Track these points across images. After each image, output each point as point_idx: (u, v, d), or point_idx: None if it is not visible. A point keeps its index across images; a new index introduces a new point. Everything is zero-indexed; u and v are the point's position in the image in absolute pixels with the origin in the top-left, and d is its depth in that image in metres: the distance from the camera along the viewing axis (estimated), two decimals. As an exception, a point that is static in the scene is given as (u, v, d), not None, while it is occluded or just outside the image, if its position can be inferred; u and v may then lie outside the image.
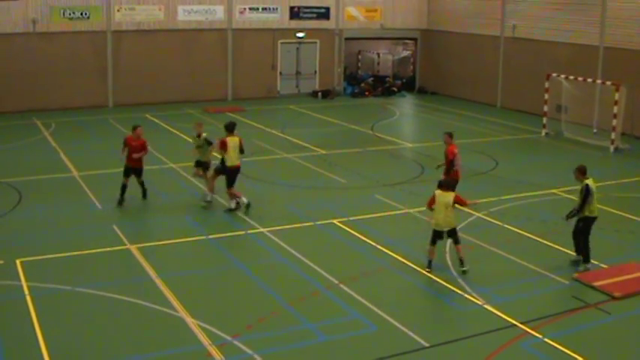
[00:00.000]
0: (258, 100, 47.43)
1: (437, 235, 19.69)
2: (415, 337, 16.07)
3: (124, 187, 24.65)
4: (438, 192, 19.71)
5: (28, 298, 17.56)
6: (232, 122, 25.25)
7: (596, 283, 19.11)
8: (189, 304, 17.30)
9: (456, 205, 19.78)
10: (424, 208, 23.73)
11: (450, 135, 24.80)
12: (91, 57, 44.43)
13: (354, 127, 39.83)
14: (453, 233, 19.68)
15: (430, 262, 19.81)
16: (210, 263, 20.16)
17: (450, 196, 19.52)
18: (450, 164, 24.37)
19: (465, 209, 22.51)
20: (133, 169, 24.73)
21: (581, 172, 20.01)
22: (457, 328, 16.71)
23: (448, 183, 20.60)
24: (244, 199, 24.36)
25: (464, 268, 19.68)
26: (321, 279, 19.03)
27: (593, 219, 20.06)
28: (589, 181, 19.79)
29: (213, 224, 23.13)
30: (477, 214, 24.13)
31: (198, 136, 25.90)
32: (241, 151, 24.49)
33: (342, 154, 33.07)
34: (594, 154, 34.01)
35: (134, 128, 25.20)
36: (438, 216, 19.57)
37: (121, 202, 24.62)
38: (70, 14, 43.38)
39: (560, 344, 15.93)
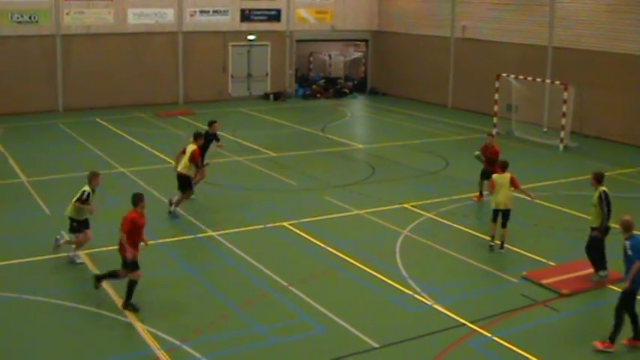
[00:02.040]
0: (209, 103, 47.21)
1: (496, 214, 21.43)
2: (364, 338, 16.08)
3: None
4: (496, 175, 21.49)
5: (-26, 306, 17.36)
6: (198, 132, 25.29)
7: (545, 281, 19.25)
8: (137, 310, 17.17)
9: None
10: (374, 209, 23.92)
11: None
12: (41, 61, 43.95)
13: (305, 129, 39.81)
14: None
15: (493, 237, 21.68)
16: (159, 268, 19.96)
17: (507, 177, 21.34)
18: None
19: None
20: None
21: (597, 180, 19.22)
22: (406, 329, 16.69)
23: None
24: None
25: (502, 250, 21.43)
26: (270, 281, 18.98)
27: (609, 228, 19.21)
28: (604, 188, 19.08)
29: (162, 229, 22.90)
30: (427, 214, 24.18)
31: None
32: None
33: (292, 156, 33.04)
34: (544, 152, 34.28)
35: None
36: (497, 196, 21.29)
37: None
38: (18, 18, 42.89)
39: (508, 342, 16.03)
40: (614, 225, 18.46)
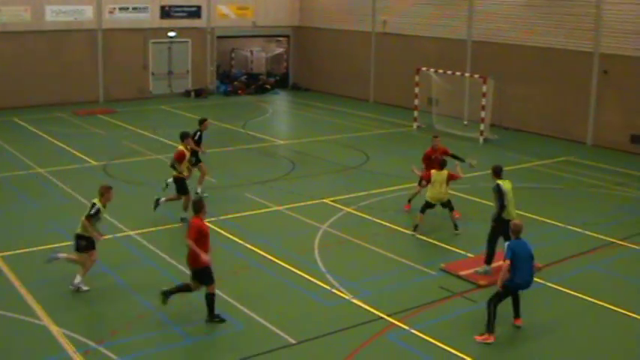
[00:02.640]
0: (130, 101, 46.69)
1: (428, 206, 22.47)
2: (282, 334, 16.06)
3: None
4: (435, 172, 22.39)
5: None
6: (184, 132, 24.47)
7: (462, 273, 19.45)
8: (53, 312, 16.88)
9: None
10: (293, 205, 23.88)
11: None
12: (-44, 60, 43.11)
13: (226, 125, 39.59)
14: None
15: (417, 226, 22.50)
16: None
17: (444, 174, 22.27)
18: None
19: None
20: None
21: (494, 173, 19.56)
22: (324, 324, 16.69)
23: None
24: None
25: (457, 232, 22.45)
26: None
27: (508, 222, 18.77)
28: (500, 181, 19.33)
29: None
30: (347, 209, 24.18)
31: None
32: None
33: (213, 153, 32.68)
34: (464, 145, 34.51)
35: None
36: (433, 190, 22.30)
37: None
38: None
39: (427, 335, 16.17)
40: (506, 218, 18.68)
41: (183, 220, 23.22)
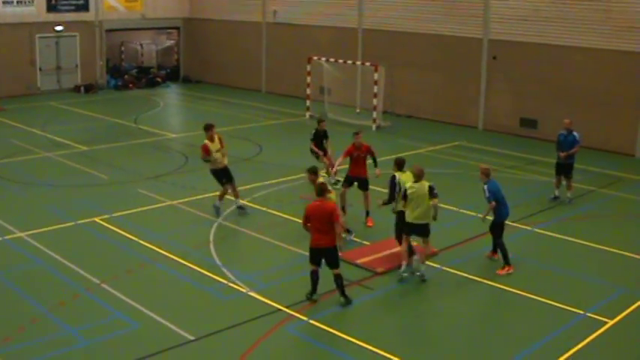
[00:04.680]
0: (17, 98, 45.34)
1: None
2: (179, 331, 15.86)
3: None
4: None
5: None
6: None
7: (359, 261, 19.52)
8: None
9: None
10: (187, 199, 23.62)
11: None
12: None
13: (117, 120, 38.98)
14: None
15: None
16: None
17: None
18: None
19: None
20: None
21: (396, 165, 19.95)
22: (222, 318, 16.54)
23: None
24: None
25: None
26: (82, 280, 18.43)
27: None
28: (397, 173, 19.62)
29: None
30: (241, 201, 23.95)
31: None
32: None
33: (104, 149, 32.26)
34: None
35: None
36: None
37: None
38: None
39: (325, 324, 16.21)
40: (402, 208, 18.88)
41: (240, 208, 23.62)
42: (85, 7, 49.47)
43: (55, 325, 16.28)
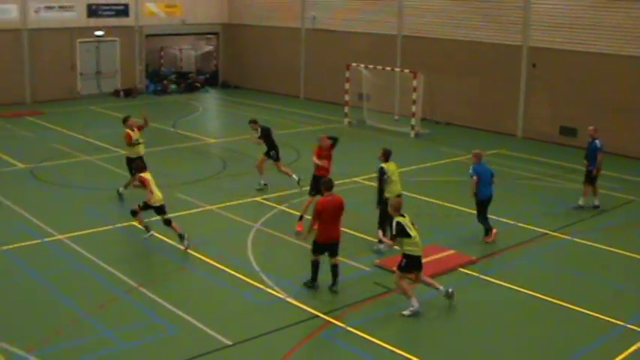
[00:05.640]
0: (58, 102, 45.82)
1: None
2: (217, 336, 15.85)
3: None
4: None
5: None
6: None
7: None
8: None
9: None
10: (225, 204, 23.67)
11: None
12: None
13: (156, 125, 38.95)
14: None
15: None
16: (3, 276, 19.17)
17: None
18: None
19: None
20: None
21: (382, 155, 20.95)
22: (259, 324, 16.51)
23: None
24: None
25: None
26: (121, 284, 18.52)
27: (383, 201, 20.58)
28: (384, 164, 20.60)
29: (7, 235, 21.99)
30: (279, 207, 23.97)
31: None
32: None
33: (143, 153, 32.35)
34: (396, 140, 34.57)
35: None
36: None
37: None
38: None
39: (362, 331, 16.09)
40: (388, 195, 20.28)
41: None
42: (125, 13, 49.88)
43: (93, 327, 16.33)
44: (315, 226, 17.99)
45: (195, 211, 24.50)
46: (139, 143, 25.82)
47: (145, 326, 16.40)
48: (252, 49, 52.50)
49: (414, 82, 36.60)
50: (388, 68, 39.36)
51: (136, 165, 22.41)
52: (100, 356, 15.08)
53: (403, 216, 17.29)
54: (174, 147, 34.05)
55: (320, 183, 18.75)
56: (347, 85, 39.80)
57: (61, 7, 47.25)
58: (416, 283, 17.40)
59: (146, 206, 21.21)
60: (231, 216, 23.88)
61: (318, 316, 16.82)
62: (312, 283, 18.26)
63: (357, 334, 15.96)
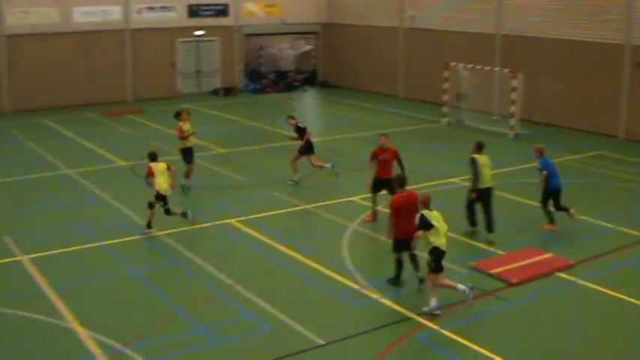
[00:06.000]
0: (158, 101, 46.59)
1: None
2: (310, 335, 15.87)
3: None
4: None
5: None
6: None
7: (494, 271, 19.16)
8: (80, 314, 16.79)
9: None
10: (322, 203, 23.72)
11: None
12: (-16, 63, 43.26)
13: (255, 124, 39.50)
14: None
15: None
16: (103, 270, 19.58)
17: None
18: None
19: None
20: None
21: (475, 147, 21.70)
22: (353, 324, 16.48)
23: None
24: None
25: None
26: (216, 281, 18.71)
27: (485, 190, 21.50)
28: (475, 155, 21.42)
29: (107, 230, 22.47)
30: (377, 207, 23.90)
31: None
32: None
33: (242, 152, 32.74)
34: (495, 141, 34.14)
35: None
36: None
37: None
38: (-41, 19, 42.15)
39: (457, 335, 15.92)
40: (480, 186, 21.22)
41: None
42: (224, 13, 50.46)
43: (188, 323, 16.55)
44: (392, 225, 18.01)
45: (291, 209, 24.62)
46: (192, 134, 27.14)
47: (239, 323, 16.52)
48: (350, 49, 52.56)
49: (514, 82, 36.12)
50: (487, 68, 38.97)
51: (148, 154, 22.91)
52: (195, 351, 15.27)
53: (430, 210, 17.10)
54: (272, 146, 34.24)
55: (393, 181, 19.71)
56: (445, 85, 39.52)
57: (162, 8, 48.04)
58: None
59: (159, 196, 22.00)
60: (328, 215, 23.92)
61: (411, 317, 16.71)
62: (396, 280, 18.39)
63: (452, 337, 15.79)
